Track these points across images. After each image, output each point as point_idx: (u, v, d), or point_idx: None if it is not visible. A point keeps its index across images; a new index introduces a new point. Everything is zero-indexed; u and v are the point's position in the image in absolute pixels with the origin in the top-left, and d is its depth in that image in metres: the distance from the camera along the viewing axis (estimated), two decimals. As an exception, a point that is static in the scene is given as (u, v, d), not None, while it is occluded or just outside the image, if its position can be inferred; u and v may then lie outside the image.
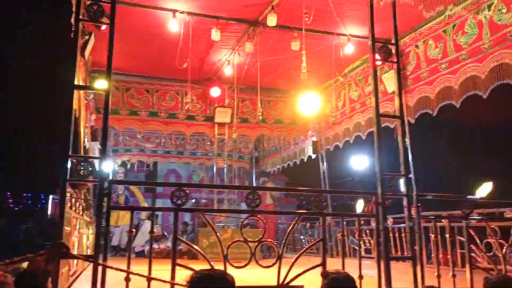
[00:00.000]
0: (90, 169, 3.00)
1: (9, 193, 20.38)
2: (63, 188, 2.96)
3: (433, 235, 3.96)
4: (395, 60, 3.84)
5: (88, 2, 3.23)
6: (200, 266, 3.17)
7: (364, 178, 18.70)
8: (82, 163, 2.98)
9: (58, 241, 2.67)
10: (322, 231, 3.38)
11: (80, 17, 3.37)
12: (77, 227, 4.74)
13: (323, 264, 3.33)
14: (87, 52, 6.08)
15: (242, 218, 3.27)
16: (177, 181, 16.95)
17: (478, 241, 5.91)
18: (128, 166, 12.28)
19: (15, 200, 20.59)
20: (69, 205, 3.54)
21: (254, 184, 12.32)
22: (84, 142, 7.86)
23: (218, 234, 3.32)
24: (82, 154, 6.60)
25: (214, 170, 10.48)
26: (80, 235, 5.31)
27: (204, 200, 14.32)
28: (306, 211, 3.67)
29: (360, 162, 16.35)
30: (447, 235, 4.58)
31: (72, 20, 3.52)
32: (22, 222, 18.00)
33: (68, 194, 3.43)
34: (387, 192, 3.55)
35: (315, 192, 3.44)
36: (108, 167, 12.10)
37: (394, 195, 3.62)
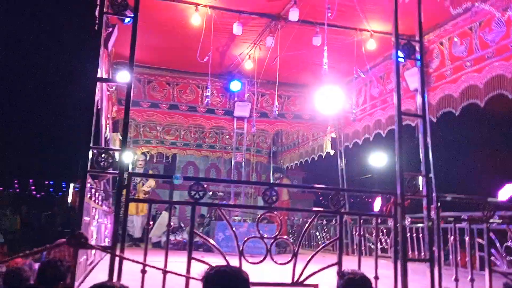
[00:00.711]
0: (111, 160, 3.03)
1: (31, 180, 20.84)
2: (83, 179, 3.00)
3: (452, 238, 3.88)
4: (419, 58, 3.77)
5: (112, -5, 3.24)
6: (215, 259, 3.21)
7: (382, 176, 18.49)
8: (102, 155, 3.01)
9: (77, 232, 2.71)
10: (339, 230, 3.35)
11: (105, 10, 3.39)
12: (96, 217, 4.82)
13: (339, 263, 3.31)
14: (110, 44, 6.15)
15: (258, 214, 3.26)
16: (195, 174, 17.13)
17: (498, 245, 5.81)
18: (148, 158, 12.42)
19: (38, 188, 21.04)
20: (88, 195, 3.59)
21: (271, 179, 12.33)
22: (105, 132, 7.99)
23: (234, 229, 3.32)
24: (103, 145, 6.71)
25: (232, 163, 10.53)
26: (99, 225, 5.40)
27: (221, 193, 14.44)
28: (322, 209, 3.65)
29: (379, 160, 16.15)
30: (466, 237, 4.51)
31: (97, 13, 3.54)
32: (44, 210, 18.38)
33: (88, 185, 3.48)
34: (406, 193, 3.50)
35: (333, 190, 3.41)
36: (128, 157, 12.29)
37: (413, 196, 3.57)
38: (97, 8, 3.50)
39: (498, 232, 5.59)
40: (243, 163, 10.24)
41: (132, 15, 3.23)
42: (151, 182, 9.88)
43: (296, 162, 12.16)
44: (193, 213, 3.10)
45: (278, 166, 12.56)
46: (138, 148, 12.50)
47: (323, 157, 10.54)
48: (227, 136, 12.24)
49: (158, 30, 7.27)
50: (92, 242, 4.39)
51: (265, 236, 3.25)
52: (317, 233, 10.52)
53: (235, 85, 8.90)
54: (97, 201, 4.84)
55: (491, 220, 3.58)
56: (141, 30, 7.13)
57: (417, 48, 3.82)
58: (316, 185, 3.86)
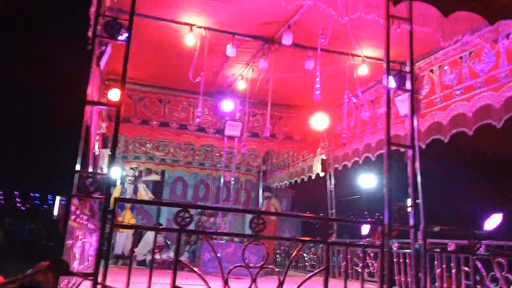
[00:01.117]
0: (96, 185, 2.99)
1: (17, 192, 20.54)
2: (68, 203, 2.95)
3: (438, 270, 3.87)
4: (409, 89, 3.80)
5: (106, 18, 3.24)
6: (199, 282, 3.15)
7: (371, 197, 18.55)
8: (89, 179, 2.97)
9: (59, 258, 2.66)
10: (325, 259, 3.32)
11: (99, 32, 3.38)
12: (80, 237, 4.73)
13: (326, 293, 3.27)
14: (103, 62, 6.13)
15: (245, 243, 3.22)
16: (183, 190, 17.03)
17: (484, 273, 5.81)
18: (137, 173, 12.31)
19: (23, 200, 20.74)
20: (73, 217, 3.53)
21: (260, 199, 12.28)
22: (94, 149, 7.91)
23: (219, 255, 3.27)
24: (91, 162, 6.63)
25: (221, 181, 10.47)
26: (83, 245, 5.30)
27: (209, 211, 14.34)
28: (309, 238, 3.63)
29: (368, 181, 16.21)
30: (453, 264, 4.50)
31: (90, 33, 3.53)
32: (29, 222, 18.09)
33: (73, 207, 3.42)
34: (394, 223, 3.49)
35: (321, 219, 3.39)
36: (117, 173, 12.17)
37: (401, 226, 3.56)
38: (90, 30, 3.49)
39: (485, 261, 5.59)
40: (232, 181, 10.19)
41: (126, 37, 3.21)
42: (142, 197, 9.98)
43: (286, 182, 12.14)
44: (179, 240, 3.04)
45: (268, 185, 12.53)
46: (127, 164, 12.40)
47: (313, 178, 10.54)
48: (217, 154, 12.21)
49: (152, 48, 7.28)
50: (75, 263, 4.30)
51: (251, 265, 3.20)
52: (304, 254, 10.43)
53: (227, 105, 8.90)
54: (81, 220, 4.76)
55: (477, 254, 3.57)
56: (134, 47, 7.12)
57: (408, 79, 3.85)
58: (304, 214, 3.82)
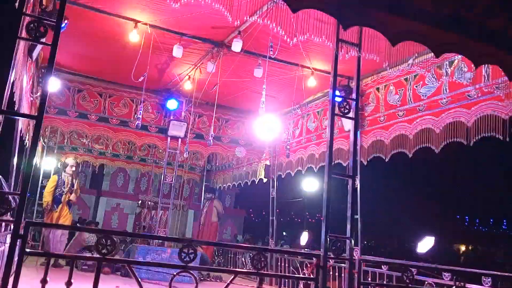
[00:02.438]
0: (6, 207, 2.67)
1: None
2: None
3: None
4: (353, 117, 3.73)
5: (29, 19, 2.89)
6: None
7: (313, 200, 18.84)
8: (-2, 200, 2.64)
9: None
10: (257, 292, 3.18)
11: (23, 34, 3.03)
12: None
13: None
14: (35, 54, 5.67)
15: (172, 274, 3.01)
16: (125, 182, 16.41)
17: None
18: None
19: None
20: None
21: (203, 198, 12.04)
22: (25, 141, 7.35)
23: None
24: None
25: (162, 178, 10.09)
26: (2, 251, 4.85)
27: (150, 203, 13.91)
28: (243, 269, 3.47)
29: (310, 185, 16.42)
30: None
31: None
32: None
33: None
34: (330, 255, 3.42)
35: (255, 249, 3.25)
36: (51, 165, 11.46)
37: (337, 258, 3.49)
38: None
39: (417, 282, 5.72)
40: (173, 182, 9.85)
41: (50, 43, 2.88)
42: (77, 191, 9.11)
43: (229, 184, 11.99)
44: (99, 271, 2.78)
45: (211, 186, 12.33)
46: (63, 155, 11.74)
47: (256, 183, 10.46)
48: (161, 150, 11.81)
49: (94, 39, 6.84)
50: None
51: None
52: (243, 259, 10.35)
53: (171, 104, 8.57)
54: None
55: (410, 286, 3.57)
56: (76, 37, 6.73)
57: (353, 106, 3.78)
58: (242, 244, 3.66)
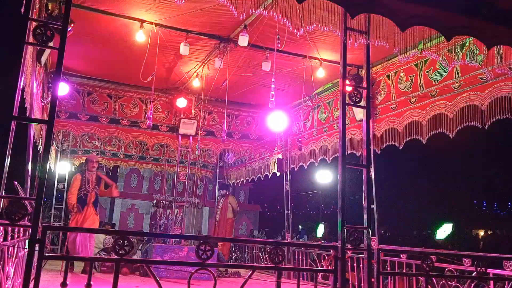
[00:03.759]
0: (24, 212, 2.68)
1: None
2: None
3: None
4: (365, 106, 3.68)
5: (36, 24, 2.90)
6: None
7: (328, 192, 18.77)
8: (14, 206, 2.66)
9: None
10: (277, 287, 3.16)
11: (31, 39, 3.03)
12: (15, 252, 4.35)
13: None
14: (44, 58, 5.70)
15: (191, 271, 3.01)
16: (138, 182, 16.51)
17: (435, 281, 5.89)
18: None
19: None
20: (1, 239, 3.19)
21: (217, 195, 12.06)
22: (39, 146, 7.43)
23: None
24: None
25: (176, 177, 10.11)
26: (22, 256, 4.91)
27: (165, 202, 14.00)
28: (262, 264, 3.45)
29: (324, 177, 16.35)
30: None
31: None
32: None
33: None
34: (347, 246, 3.38)
35: (272, 244, 3.23)
36: (66, 168, 11.56)
37: (355, 248, 3.46)
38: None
39: (436, 269, 5.66)
40: (186, 180, 9.87)
41: (58, 47, 2.88)
42: (113, 184, 8.53)
43: (243, 179, 11.98)
44: (117, 272, 2.79)
45: (225, 183, 12.34)
46: (76, 159, 11.88)
47: (269, 177, 10.45)
48: (172, 149, 11.86)
49: (101, 41, 6.85)
50: (9, 283, 3.95)
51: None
52: (260, 254, 10.35)
53: (181, 102, 8.57)
54: (17, 234, 4.38)
55: (430, 274, 3.52)
56: (83, 40, 6.75)
57: (364, 95, 3.73)
58: (257, 239, 3.64)
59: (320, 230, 7.61)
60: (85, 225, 7.74)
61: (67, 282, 2.75)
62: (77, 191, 7.92)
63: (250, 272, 3.19)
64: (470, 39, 5.34)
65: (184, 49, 6.35)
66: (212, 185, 14.82)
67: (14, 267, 3.97)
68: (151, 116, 7.14)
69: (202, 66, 7.53)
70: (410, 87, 6.39)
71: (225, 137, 7.34)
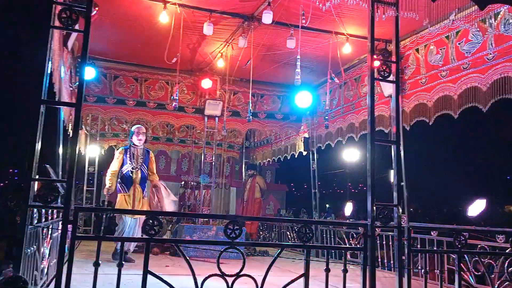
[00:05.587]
0: (56, 194, 2.74)
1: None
2: (24, 213, 2.70)
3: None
4: (394, 80, 3.57)
5: (60, 7, 2.90)
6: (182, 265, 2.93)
7: (354, 170, 18.62)
8: (47, 188, 2.71)
9: (13, 276, 2.43)
10: (306, 265, 3.16)
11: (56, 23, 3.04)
12: (50, 232, 4.48)
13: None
14: (70, 43, 5.76)
15: (220, 250, 3.03)
16: (166, 164, 16.73)
17: (466, 258, 5.78)
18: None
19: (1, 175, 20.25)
20: (35, 221, 3.28)
21: (243, 176, 12.12)
22: (68, 130, 7.58)
23: (192, 268, 3.07)
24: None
25: (203, 158, 10.17)
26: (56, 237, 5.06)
27: (193, 183, 14.17)
28: (290, 243, 3.44)
29: (351, 155, 16.18)
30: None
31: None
32: (7, 199, 17.66)
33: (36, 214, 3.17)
34: (376, 224, 3.33)
35: (300, 222, 3.21)
36: (95, 152, 11.81)
37: (384, 226, 3.40)
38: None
39: (468, 246, 5.55)
40: (213, 161, 9.93)
41: (83, 30, 2.88)
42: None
43: (269, 159, 11.98)
44: (148, 252, 2.83)
45: (252, 163, 12.36)
46: (106, 142, 12.09)
47: (296, 156, 10.40)
48: (199, 131, 11.91)
49: (127, 24, 6.86)
50: (44, 263, 4.09)
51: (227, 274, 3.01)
52: (288, 233, 10.39)
53: (206, 83, 8.56)
54: (51, 216, 4.51)
55: (463, 250, 3.45)
56: (107, 23, 6.78)
57: (393, 70, 3.61)
58: (285, 217, 3.63)
59: (348, 208, 7.56)
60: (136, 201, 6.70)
61: (100, 262, 2.81)
62: (117, 170, 6.73)
63: (279, 250, 3.19)
64: (506, 7, 5.08)
65: (207, 29, 6.29)
66: (238, 166, 14.90)
67: (49, 247, 4.08)
68: (177, 97, 7.15)
69: (226, 46, 7.47)
70: (441, 60, 6.17)
71: (251, 117, 7.28)
